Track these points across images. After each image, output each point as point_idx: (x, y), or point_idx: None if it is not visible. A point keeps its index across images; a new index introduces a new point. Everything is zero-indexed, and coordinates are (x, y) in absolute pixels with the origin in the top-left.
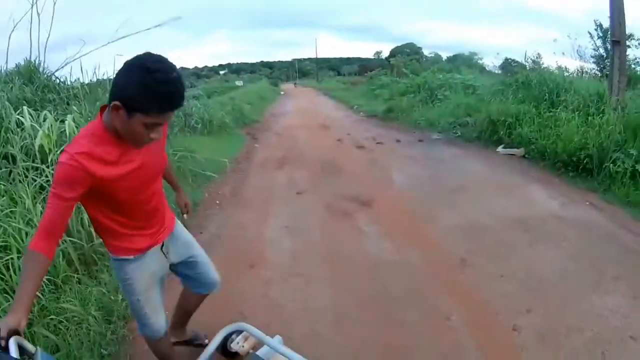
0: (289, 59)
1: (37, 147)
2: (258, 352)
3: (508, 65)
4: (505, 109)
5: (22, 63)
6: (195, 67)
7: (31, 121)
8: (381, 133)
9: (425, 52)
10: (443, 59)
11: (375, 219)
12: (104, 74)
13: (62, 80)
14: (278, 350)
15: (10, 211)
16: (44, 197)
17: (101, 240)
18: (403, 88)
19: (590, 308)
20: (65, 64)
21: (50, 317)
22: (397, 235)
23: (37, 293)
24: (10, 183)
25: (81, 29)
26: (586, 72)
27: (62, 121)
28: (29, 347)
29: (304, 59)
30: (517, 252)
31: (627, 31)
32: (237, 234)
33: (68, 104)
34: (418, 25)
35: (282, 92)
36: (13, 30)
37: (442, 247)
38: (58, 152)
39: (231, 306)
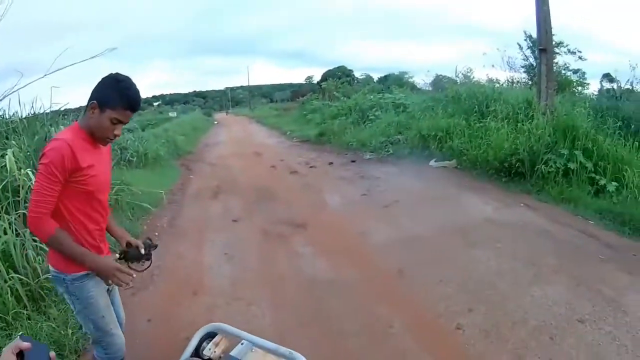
0: (222, 87)
1: None
2: (232, 353)
3: (439, 81)
4: (436, 123)
5: None
6: None
7: None
8: (314, 157)
9: (357, 74)
10: (374, 80)
11: (310, 241)
12: (40, 107)
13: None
14: (256, 343)
15: None
16: None
17: (52, 270)
18: (335, 111)
19: (532, 300)
20: (3, 97)
21: None
22: (332, 254)
23: None
24: None
25: (18, 59)
26: (517, 82)
27: (2, 156)
28: None
29: (237, 87)
30: (454, 257)
31: (558, 39)
32: (176, 263)
33: (7, 138)
34: (349, 47)
35: (215, 122)
36: None
37: (378, 261)
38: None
39: (176, 332)
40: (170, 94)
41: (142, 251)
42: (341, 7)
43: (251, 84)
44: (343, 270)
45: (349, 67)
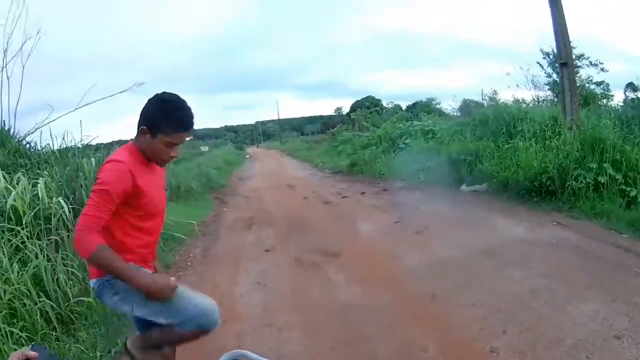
0: (252, 121)
1: (9, 207)
2: None
3: (466, 106)
4: (465, 147)
5: None
6: None
7: (5, 183)
8: (346, 187)
9: (385, 103)
10: (402, 108)
11: (343, 268)
12: (72, 140)
13: (32, 145)
14: None
15: None
16: (20, 258)
17: (94, 282)
18: (365, 141)
19: (567, 318)
20: (35, 129)
21: None
22: (366, 280)
23: None
24: None
25: (49, 94)
26: (542, 100)
27: (34, 185)
28: None
29: (267, 121)
30: (487, 279)
31: (579, 51)
32: (208, 292)
33: (39, 168)
34: (373, 76)
35: (247, 156)
36: None
37: (411, 285)
38: (32, 213)
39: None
40: (201, 129)
41: None
42: (359, 36)
43: (281, 117)
44: (376, 296)
45: (376, 97)
